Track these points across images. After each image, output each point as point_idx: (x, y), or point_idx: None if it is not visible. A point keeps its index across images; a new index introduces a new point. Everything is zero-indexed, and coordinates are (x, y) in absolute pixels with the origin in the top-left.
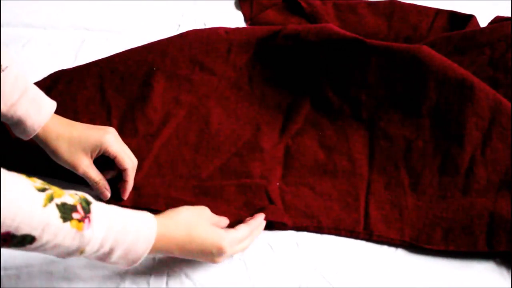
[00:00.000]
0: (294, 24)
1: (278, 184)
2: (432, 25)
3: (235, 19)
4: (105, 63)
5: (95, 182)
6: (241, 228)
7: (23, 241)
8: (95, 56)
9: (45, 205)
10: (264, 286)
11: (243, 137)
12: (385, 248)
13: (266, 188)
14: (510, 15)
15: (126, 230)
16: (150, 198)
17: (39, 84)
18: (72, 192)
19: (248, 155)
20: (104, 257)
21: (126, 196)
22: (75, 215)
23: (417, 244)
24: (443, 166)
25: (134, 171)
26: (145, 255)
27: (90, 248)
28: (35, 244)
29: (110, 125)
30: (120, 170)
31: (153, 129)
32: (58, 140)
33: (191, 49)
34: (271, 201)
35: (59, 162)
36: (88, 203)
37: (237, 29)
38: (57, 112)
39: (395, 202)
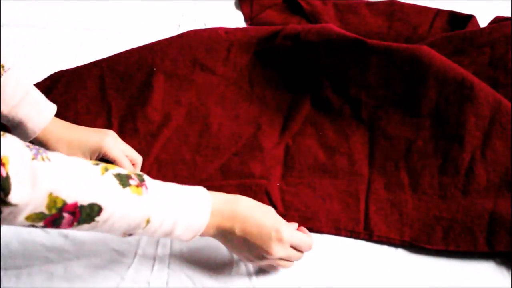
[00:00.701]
0: (294, 24)
1: (278, 184)
2: (432, 25)
3: (235, 19)
4: (105, 64)
5: None
6: (300, 231)
7: (91, 212)
8: (95, 56)
9: (102, 174)
10: (264, 286)
11: (243, 137)
12: (385, 248)
13: (266, 188)
14: (510, 15)
15: (182, 203)
16: None
17: (40, 84)
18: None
19: (248, 155)
20: (171, 229)
21: None
22: (132, 182)
23: (417, 244)
24: (443, 166)
25: (138, 171)
26: (206, 223)
27: (155, 217)
28: (103, 216)
29: (110, 125)
30: None
31: (154, 129)
32: (58, 143)
33: (191, 50)
34: (271, 201)
35: None
36: (140, 175)
37: (237, 29)
38: (58, 112)
39: (395, 202)
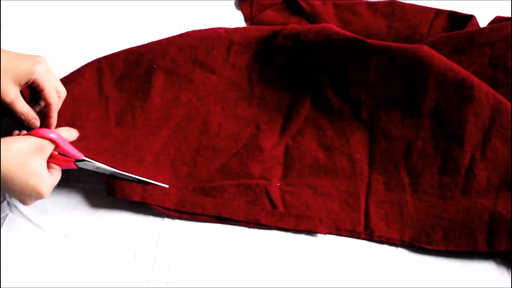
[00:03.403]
0: (294, 24)
1: (278, 184)
2: (432, 25)
3: (235, 19)
4: (104, 59)
5: (23, 113)
6: (57, 173)
7: None
8: (95, 56)
9: None
10: (265, 286)
11: (243, 137)
12: (385, 248)
13: (266, 188)
14: (510, 15)
15: None
16: (160, 197)
17: None
18: None
19: (248, 155)
20: None
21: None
22: None
23: (418, 245)
24: (443, 166)
25: (59, 106)
26: None
27: None
28: None
29: (107, 117)
30: (45, 104)
31: (153, 128)
32: None
33: (191, 49)
34: (271, 201)
35: None
36: None
37: (237, 29)
38: None
39: (395, 202)
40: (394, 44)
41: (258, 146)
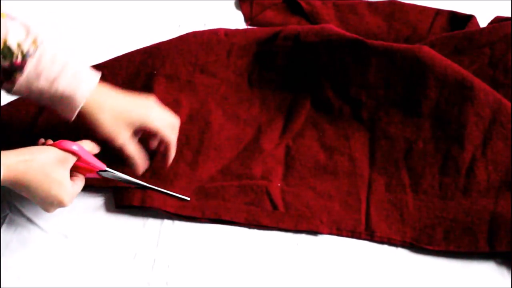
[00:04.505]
0: (294, 25)
1: (279, 185)
2: (432, 25)
3: (235, 19)
4: (106, 68)
5: (131, 157)
6: (80, 182)
7: None
8: (95, 56)
9: None
10: (265, 286)
11: (244, 139)
12: (385, 248)
13: (267, 188)
14: (510, 15)
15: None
16: (160, 201)
17: None
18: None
19: (249, 156)
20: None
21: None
22: None
23: (418, 245)
24: (444, 166)
25: (175, 141)
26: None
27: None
28: None
29: None
30: (162, 146)
31: None
32: (101, 112)
33: (191, 52)
34: (272, 202)
35: (97, 135)
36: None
37: (237, 30)
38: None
39: (396, 202)
40: (394, 44)
41: (259, 147)
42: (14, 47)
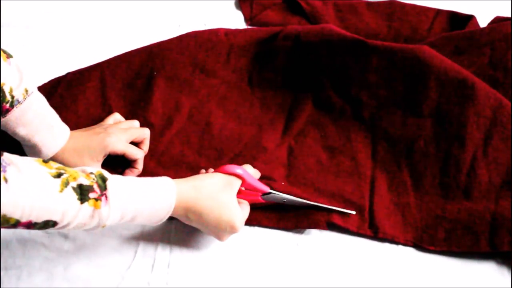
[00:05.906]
0: (294, 25)
1: (283, 183)
2: (432, 25)
3: (235, 19)
4: (106, 68)
5: None
6: (246, 207)
7: (46, 225)
8: (95, 56)
9: (61, 191)
10: (265, 286)
11: (245, 138)
12: (386, 248)
13: (271, 187)
14: (510, 15)
15: (146, 200)
16: None
17: (41, 87)
18: (89, 170)
19: (251, 156)
20: (128, 223)
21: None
22: (92, 195)
23: (420, 245)
24: (445, 166)
25: (142, 158)
26: (167, 217)
27: (110, 223)
28: (58, 226)
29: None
30: (130, 161)
31: (155, 132)
32: (67, 155)
33: (191, 53)
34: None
35: None
36: (104, 180)
37: (237, 30)
38: (59, 115)
39: (398, 202)
40: (395, 44)
41: (261, 146)
42: (7, 92)
